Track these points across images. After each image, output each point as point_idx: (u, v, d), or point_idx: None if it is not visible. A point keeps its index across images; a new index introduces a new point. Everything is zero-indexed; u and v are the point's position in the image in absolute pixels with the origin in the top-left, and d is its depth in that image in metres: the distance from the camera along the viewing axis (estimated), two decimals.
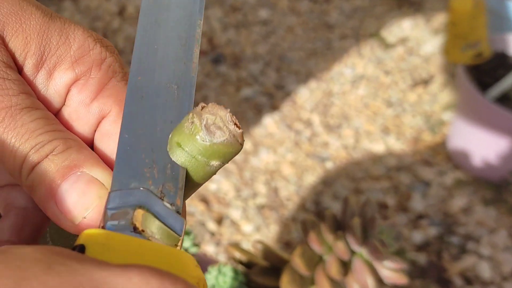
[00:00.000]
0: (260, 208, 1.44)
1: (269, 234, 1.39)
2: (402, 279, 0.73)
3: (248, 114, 1.60)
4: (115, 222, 0.27)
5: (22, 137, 0.29)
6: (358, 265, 0.73)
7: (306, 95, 1.65)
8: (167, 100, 0.30)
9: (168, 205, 0.28)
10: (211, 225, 1.40)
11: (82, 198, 0.29)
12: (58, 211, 0.29)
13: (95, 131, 0.33)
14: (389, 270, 0.73)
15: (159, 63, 0.32)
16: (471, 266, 1.34)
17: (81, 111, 0.32)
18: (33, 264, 0.21)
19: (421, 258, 1.34)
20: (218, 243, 1.38)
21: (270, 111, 1.61)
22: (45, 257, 0.22)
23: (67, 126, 0.32)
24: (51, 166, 0.29)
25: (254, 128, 1.58)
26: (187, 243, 0.78)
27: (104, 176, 0.29)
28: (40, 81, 0.32)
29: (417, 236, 1.37)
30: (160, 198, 0.28)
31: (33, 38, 0.32)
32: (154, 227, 0.27)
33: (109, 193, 0.28)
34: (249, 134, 1.57)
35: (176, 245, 0.27)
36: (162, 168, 0.29)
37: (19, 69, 0.32)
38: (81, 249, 0.25)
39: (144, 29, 0.32)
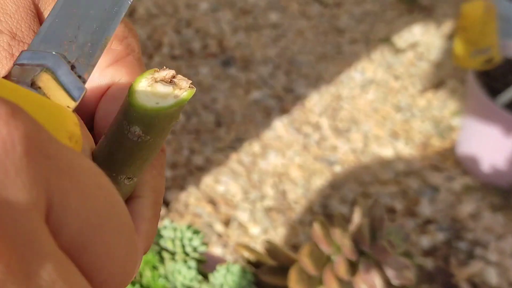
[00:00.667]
0: (268, 210, 1.44)
1: (277, 236, 1.39)
2: (410, 280, 0.73)
3: (257, 117, 1.60)
4: (16, 76, 0.28)
5: None
6: (366, 266, 0.73)
7: (315, 99, 1.66)
8: None
9: (73, 72, 0.28)
10: (219, 227, 1.40)
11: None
12: None
13: (102, 95, 0.34)
14: (397, 270, 0.73)
15: None
16: (479, 271, 1.33)
17: (95, 74, 0.33)
18: None
19: (429, 263, 1.34)
20: (225, 245, 1.38)
21: (279, 114, 1.61)
22: None
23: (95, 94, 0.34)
24: None
25: (263, 131, 1.58)
26: (196, 241, 0.78)
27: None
28: None
29: (425, 241, 1.37)
30: (69, 65, 0.28)
31: None
32: (51, 86, 0.27)
33: (22, 51, 0.29)
34: (258, 137, 1.57)
35: (68, 107, 0.28)
36: (81, 45, 0.29)
37: None
38: None
39: None
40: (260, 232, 1.39)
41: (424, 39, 1.80)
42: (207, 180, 1.49)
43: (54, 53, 0.29)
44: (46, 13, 0.33)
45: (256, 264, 0.79)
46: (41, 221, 0.20)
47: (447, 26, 1.82)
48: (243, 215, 1.43)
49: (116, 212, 0.23)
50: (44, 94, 0.27)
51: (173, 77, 0.28)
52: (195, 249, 0.78)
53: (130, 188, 0.31)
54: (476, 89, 1.38)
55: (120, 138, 0.29)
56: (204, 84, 1.68)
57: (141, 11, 1.81)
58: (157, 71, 0.28)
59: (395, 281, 0.74)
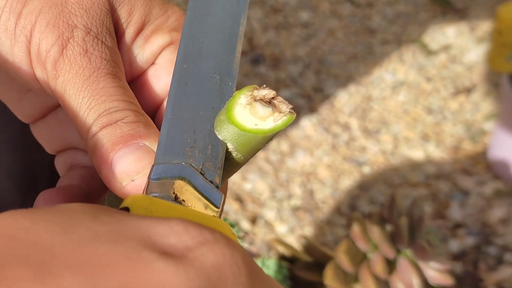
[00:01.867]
0: (295, 209, 1.43)
1: None
2: (447, 280, 0.72)
3: None
4: (157, 191, 0.28)
5: (100, 98, 0.31)
6: (403, 265, 0.72)
7: (345, 99, 1.65)
8: (210, 88, 0.32)
9: (207, 180, 0.28)
10: (245, 224, 1.40)
11: (137, 163, 0.30)
12: (110, 172, 0.30)
13: None
14: (435, 270, 0.72)
15: (204, 54, 0.33)
16: (508, 277, 1.32)
17: (168, 68, 0.35)
18: (81, 215, 0.22)
19: (457, 267, 1.32)
20: (251, 243, 1.38)
21: (308, 114, 1.61)
22: (93, 210, 0.23)
23: (152, 83, 0.35)
24: (118, 131, 0.30)
25: (291, 130, 1.57)
26: None
27: None
28: (137, 44, 0.35)
29: (454, 245, 1.36)
30: (200, 173, 0.29)
31: (137, 9, 0.35)
32: (193, 197, 0.28)
33: (152, 165, 0.29)
34: (286, 136, 1.56)
35: (214, 216, 0.28)
36: (202, 149, 0.29)
37: (120, 35, 0.35)
38: (126, 210, 0.26)
39: (191, 22, 0.34)
40: (286, 231, 1.39)
41: (457, 41, 1.78)
42: (234, 177, 1.48)
43: (183, 163, 0.29)
44: (120, 11, 0.34)
45: (290, 260, 0.79)
46: None
47: (481, 29, 1.80)
48: (270, 213, 1.42)
49: None
50: (188, 207, 0.28)
51: (273, 97, 0.28)
52: None
53: None
54: (510, 93, 1.37)
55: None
56: None
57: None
58: (257, 89, 0.29)
59: (432, 282, 0.73)
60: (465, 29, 1.81)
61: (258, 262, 0.75)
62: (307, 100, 1.63)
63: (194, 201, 0.28)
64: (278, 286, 0.23)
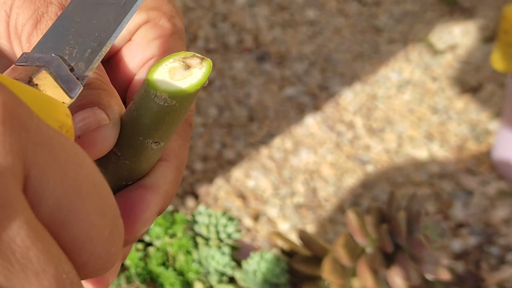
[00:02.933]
0: (298, 207, 1.43)
1: None
2: (445, 275, 0.71)
3: (290, 113, 1.60)
4: (15, 75, 0.29)
5: None
6: (401, 259, 0.72)
7: (350, 97, 1.64)
8: (112, 3, 0.33)
9: (71, 73, 0.30)
10: (248, 221, 1.40)
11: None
12: None
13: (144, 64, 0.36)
14: (433, 265, 0.72)
15: None
16: (510, 277, 1.31)
17: (143, 44, 0.36)
18: None
19: (459, 267, 1.32)
20: (253, 239, 1.38)
21: (312, 112, 1.60)
22: None
23: (126, 58, 0.37)
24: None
25: (295, 128, 1.57)
26: (230, 228, 0.78)
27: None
28: None
29: (456, 245, 1.35)
30: (70, 68, 0.30)
31: None
32: (50, 84, 0.29)
33: (23, 52, 0.31)
34: (290, 133, 1.56)
35: (64, 103, 0.29)
36: (81, 51, 0.31)
37: None
38: None
39: None
40: (289, 228, 1.39)
41: (463, 41, 1.78)
42: (238, 174, 1.48)
43: (53, 55, 0.30)
44: None
45: (289, 253, 0.79)
46: (17, 188, 0.20)
47: (488, 29, 1.79)
48: (272, 211, 1.42)
49: (99, 192, 0.23)
50: (40, 91, 0.29)
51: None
52: (229, 236, 0.78)
53: (157, 152, 0.32)
54: None
55: (147, 102, 0.30)
56: (238, 79, 1.68)
57: (177, 3, 1.82)
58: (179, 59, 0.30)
59: (430, 276, 0.73)
60: (471, 29, 1.80)
61: (257, 255, 0.75)
62: (312, 98, 1.63)
63: (48, 87, 0.29)
64: (66, 146, 0.22)
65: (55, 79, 0.29)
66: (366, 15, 1.86)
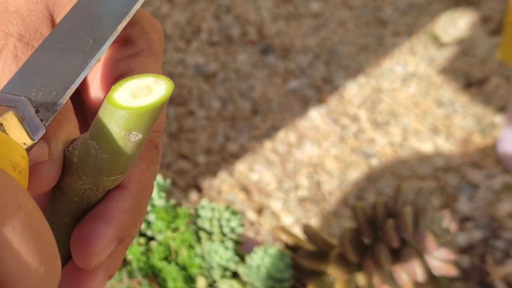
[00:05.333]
0: (302, 200, 1.42)
1: None
2: (452, 271, 0.70)
3: (294, 106, 1.59)
4: None
5: None
6: (407, 254, 0.71)
7: (354, 90, 1.63)
8: (79, 49, 0.34)
9: (36, 115, 0.32)
10: (251, 215, 1.39)
11: None
12: None
13: (112, 84, 0.37)
14: (439, 260, 0.71)
15: (91, 19, 0.36)
16: None
17: (109, 64, 0.37)
18: None
19: (464, 261, 1.31)
20: (257, 233, 1.37)
21: (316, 105, 1.59)
22: None
23: (94, 79, 0.38)
24: None
25: (299, 121, 1.56)
26: (234, 222, 0.77)
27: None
28: None
29: (462, 238, 1.34)
30: (35, 110, 0.32)
31: None
32: (14, 125, 0.31)
33: None
34: (294, 127, 1.55)
35: (25, 144, 0.31)
36: (47, 93, 0.33)
37: None
38: None
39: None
40: (292, 222, 1.38)
41: (469, 33, 1.76)
42: (241, 168, 1.47)
43: (22, 97, 0.32)
44: (58, 19, 0.36)
45: (293, 248, 0.78)
46: None
47: (494, 21, 1.78)
48: (276, 204, 1.41)
49: (35, 231, 0.24)
50: (4, 131, 0.30)
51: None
52: (232, 230, 0.77)
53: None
54: None
55: (106, 136, 0.31)
56: (242, 72, 1.67)
57: None
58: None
59: (436, 272, 0.72)
60: (477, 21, 1.79)
61: (261, 250, 0.74)
62: (316, 91, 1.62)
63: (12, 128, 0.31)
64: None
65: (20, 121, 0.31)
66: (370, 7, 1.84)
